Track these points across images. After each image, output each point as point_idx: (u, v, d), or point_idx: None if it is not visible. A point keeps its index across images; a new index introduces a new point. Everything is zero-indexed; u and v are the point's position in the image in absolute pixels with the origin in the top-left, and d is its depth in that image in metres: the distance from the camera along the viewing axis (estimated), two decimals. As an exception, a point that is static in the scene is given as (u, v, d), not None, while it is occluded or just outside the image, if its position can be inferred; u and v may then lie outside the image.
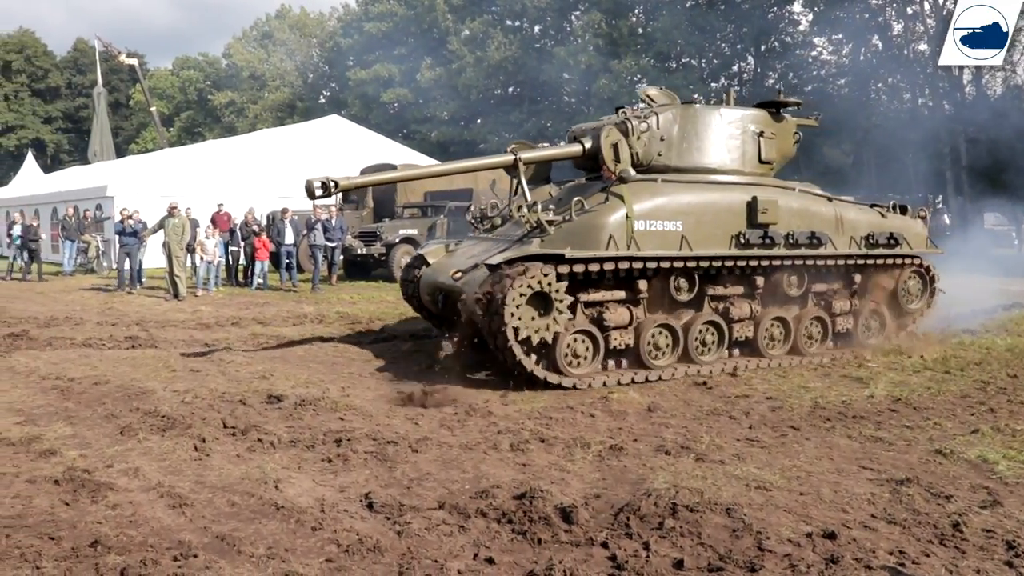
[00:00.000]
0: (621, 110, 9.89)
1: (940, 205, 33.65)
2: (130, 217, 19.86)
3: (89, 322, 13.88)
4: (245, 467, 5.96)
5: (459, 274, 9.28)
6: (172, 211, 17.73)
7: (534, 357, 8.52)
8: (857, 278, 10.63)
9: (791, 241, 9.71)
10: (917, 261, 11.17)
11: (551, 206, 9.53)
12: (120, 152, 55.88)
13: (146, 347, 11.27)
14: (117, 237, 20.72)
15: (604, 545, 4.52)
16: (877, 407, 7.81)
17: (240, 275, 20.95)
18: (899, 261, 10.93)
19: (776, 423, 7.23)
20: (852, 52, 37.34)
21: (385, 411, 7.63)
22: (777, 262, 9.75)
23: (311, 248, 19.35)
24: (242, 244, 20.52)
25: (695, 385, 8.80)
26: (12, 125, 72.03)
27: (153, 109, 52.26)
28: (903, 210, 11.19)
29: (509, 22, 47.34)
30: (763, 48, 39.80)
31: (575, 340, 8.76)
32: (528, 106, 47.64)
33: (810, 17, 38.23)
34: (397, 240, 20.61)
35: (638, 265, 8.81)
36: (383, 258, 20.57)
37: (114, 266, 23.09)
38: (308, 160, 27.72)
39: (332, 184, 8.68)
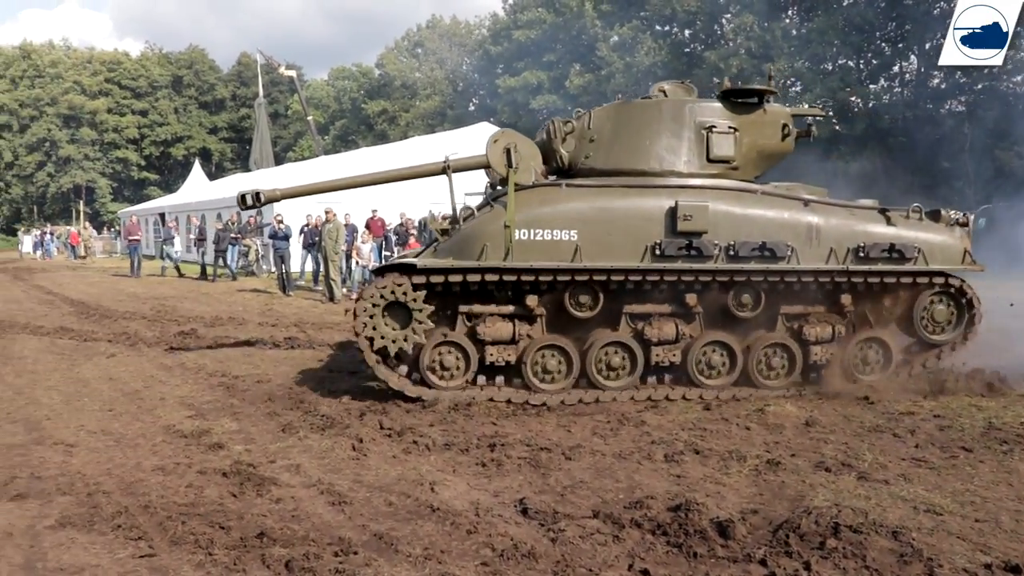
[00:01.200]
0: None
1: None
2: (281, 222, 20.76)
3: (251, 323, 14.59)
4: (401, 468, 6.12)
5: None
6: (328, 217, 18.40)
7: (405, 367, 8.42)
8: (845, 300, 8.78)
9: (732, 253, 8.34)
10: (942, 280, 8.90)
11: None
12: (279, 160, 58.38)
13: (304, 348, 11.75)
14: (271, 241, 21.76)
15: (763, 563, 4.40)
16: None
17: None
18: (912, 280, 8.79)
19: (945, 443, 6.85)
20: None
21: (537, 418, 7.68)
22: (708, 277, 8.38)
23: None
24: (395, 249, 21.08)
25: (856, 400, 8.43)
26: (181, 136, 76.42)
27: (310, 118, 54.34)
28: (935, 216, 9.01)
29: (659, 27, 46.89)
30: (927, 46, 38.00)
31: (441, 352, 8.40)
32: (677, 111, 47.01)
33: (980, 12, 36.16)
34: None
35: (514, 277, 8.20)
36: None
37: (272, 269, 24.20)
38: (459, 167, 28.28)
39: (253, 195, 9.44)
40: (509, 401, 8.30)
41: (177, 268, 27.84)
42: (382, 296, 8.13)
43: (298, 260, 21.86)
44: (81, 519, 5.16)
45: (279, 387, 9.09)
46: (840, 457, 6.37)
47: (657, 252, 8.26)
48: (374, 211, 21.86)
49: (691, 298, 8.50)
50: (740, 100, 9.22)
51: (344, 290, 19.04)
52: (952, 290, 8.90)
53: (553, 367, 8.46)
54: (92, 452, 6.72)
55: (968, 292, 8.93)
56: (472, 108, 61.91)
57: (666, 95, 9.29)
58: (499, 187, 9.13)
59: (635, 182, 8.73)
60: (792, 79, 38.33)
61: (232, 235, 25.61)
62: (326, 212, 18.70)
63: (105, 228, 62.22)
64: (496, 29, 57.97)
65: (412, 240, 19.96)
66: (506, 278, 8.18)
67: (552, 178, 9.00)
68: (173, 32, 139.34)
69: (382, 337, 8.14)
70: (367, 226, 21.09)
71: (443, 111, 61.54)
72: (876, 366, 8.95)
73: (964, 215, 9.19)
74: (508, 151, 8.80)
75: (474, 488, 5.69)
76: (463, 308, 8.50)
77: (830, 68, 39.39)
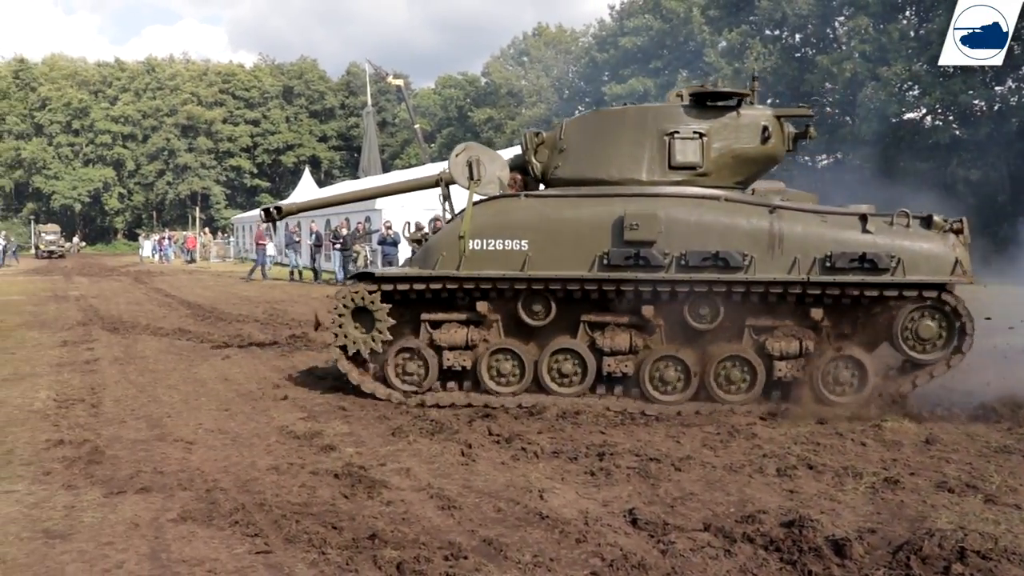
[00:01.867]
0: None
1: None
2: (389, 228, 21.10)
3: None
4: (510, 475, 6.14)
5: None
6: (438, 224, 18.60)
7: (373, 367, 8.95)
8: (816, 313, 8.15)
9: (683, 263, 8.05)
10: (930, 294, 8.01)
11: None
12: (386, 167, 59.45)
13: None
14: (380, 247, 22.15)
15: (883, 584, 4.26)
16: None
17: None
18: (890, 292, 8.00)
19: (1080, 466, 6.48)
20: None
21: (646, 428, 7.60)
22: (661, 287, 8.13)
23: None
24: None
25: (977, 418, 8.03)
26: (292, 144, 78.70)
27: (417, 127, 55.26)
28: (926, 222, 8.13)
29: (768, 31, 46.04)
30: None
31: (404, 357, 8.83)
32: (787, 117, 46.06)
33: None
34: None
35: (471, 286, 8.49)
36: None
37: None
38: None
39: (275, 209, 10.61)
40: (469, 404, 8.62)
41: (300, 272, 28.66)
42: (353, 301, 8.65)
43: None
44: (201, 514, 5.34)
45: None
46: (964, 478, 6.09)
47: (605, 262, 8.21)
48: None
49: (647, 310, 8.30)
50: (709, 104, 8.82)
51: None
52: (939, 304, 8.00)
53: (506, 370, 8.67)
54: (210, 450, 6.96)
55: (957, 307, 7.98)
56: (578, 115, 61.94)
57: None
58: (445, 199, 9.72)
59: (594, 191, 8.68)
60: (909, 82, 37.09)
61: (339, 241, 26.21)
62: (435, 220, 18.89)
63: (219, 233, 64.48)
64: (602, 36, 57.87)
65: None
66: (464, 286, 8.52)
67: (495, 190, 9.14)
68: (284, 44, 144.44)
69: (346, 337, 8.69)
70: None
71: (548, 119, 61.56)
72: (849, 387, 8.25)
73: (956, 222, 8.20)
74: (470, 164, 9.01)
75: (583, 497, 5.66)
76: (425, 316, 8.81)
77: (951, 70, 37.94)
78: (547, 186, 9.22)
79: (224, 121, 77.16)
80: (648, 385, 8.43)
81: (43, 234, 57.04)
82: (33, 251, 54.51)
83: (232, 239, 55.63)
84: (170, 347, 13.05)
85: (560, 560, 4.57)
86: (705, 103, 8.79)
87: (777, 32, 46.22)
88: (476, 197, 8.78)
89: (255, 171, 79.57)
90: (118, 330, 15.27)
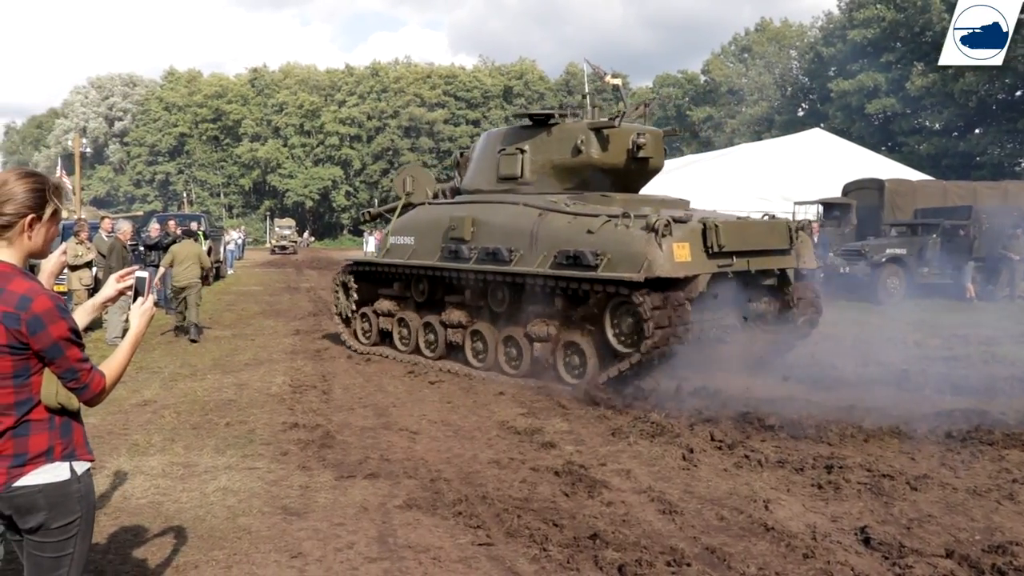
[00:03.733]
0: None
1: None
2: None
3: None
4: (733, 482, 5.95)
5: None
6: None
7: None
8: (558, 303, 9.31)
9: (479, 258, 10.04)
10: (624, 291, 8.41)
11: None
12: (604, 167, 59.45)
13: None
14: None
15: None
16: None
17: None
18: (597, 288, 8.70)
19: None
20: None
21: (878, 441, 7.15)
22: (468, 276, 10.21)
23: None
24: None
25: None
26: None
27: (635, 126, 54.95)
28: (644, 222, 8.50)
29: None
30: None
31: (362, 320, 12.50)
32: (1037, 112, 42.46)
33: None
34: (883, 260, 19.33)
35: (384, 269, 11.73)
36: (866, 278, 19.45)
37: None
38: (788, 175, 27.26)
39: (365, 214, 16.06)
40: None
41: None
42: (342, 280, 12.77)
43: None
44: (425, 502, 5.51)
45: (606, 391, 9.18)
46: None
47: (446, 255, 10.61)
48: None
49: (468, 293, 10.51)
50: (525, 125, 10.84)
51: None
52: (632, 301, 8.41)
53: (405, 335, 11.79)
54: (433, 440, 7.18)
55: (643, 304, 8.24)
56: (801, 113, 59.68)
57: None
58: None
59: (461, 199, 11.46)
60: None
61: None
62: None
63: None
64: (829, 29, 55.39)
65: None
66: (380, 270, 11.84)
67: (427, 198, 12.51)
68: (502, 46, 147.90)
69: (336, 305, 12.94)
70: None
71: (771, 117, 59.81)
72: (578, 371, 9.21)
73: (659, 220, 8.38)
74: (404, 180, 12.92)
75: (810, 510, 5.40)
76: (381, 291, 12.22)
77: None
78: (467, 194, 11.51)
79: (445, 122, 79.79)
80: (469, 353, 10.53)
81: (278, 228, 59.90)
82: (269, 244, 57.47)
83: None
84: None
85: (786, 575, 4.38)
86: (532, 123, 10.75)
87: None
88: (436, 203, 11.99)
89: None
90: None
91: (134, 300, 2.89)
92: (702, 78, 71.40)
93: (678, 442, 6.94)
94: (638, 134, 10.28)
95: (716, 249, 8.77)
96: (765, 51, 64.91)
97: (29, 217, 2.61)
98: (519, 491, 5.76)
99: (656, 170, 11.06)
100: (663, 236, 8.33)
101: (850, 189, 23.73)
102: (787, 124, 54.51)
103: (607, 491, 5.74)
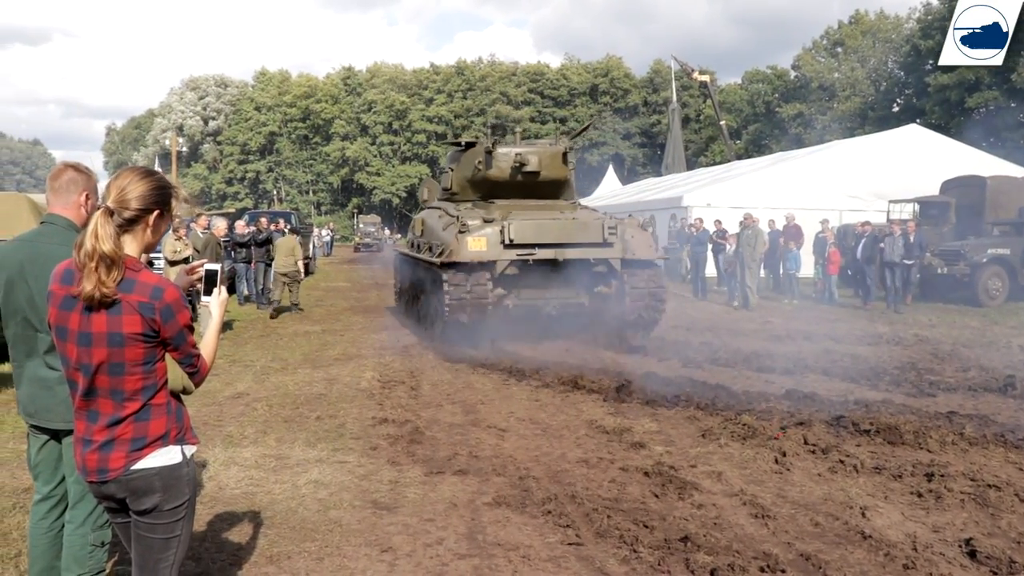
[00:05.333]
0: None
1: None
2: (691, 225, 20.89)
3: (663, 325, 14.74)
4: (827, 488, 5.79)
5: None
6: (748, 222, 18.10)
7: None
8: (430, 279, 12.98)
9: (419, 247, 13.79)
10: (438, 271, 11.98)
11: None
12: (690, 164, 58.75)
13: (719, 352, 11.59)
14: (688, 246, 21.96)
15: None
16: None
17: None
18: (433, 270, 12.58)
19: None
20: None
21: (981, 449, 6.87)
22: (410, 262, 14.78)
23: (884, 265, 18.28)
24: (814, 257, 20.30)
25: None
26: (596, 142, 79.82)
27: (722, 123, 54.15)
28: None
29: None
30: None
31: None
32: None
33: None
34: (984, 260, 18.58)
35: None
36: (966, 279, 18.75)
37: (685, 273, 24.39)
38: (883, 172, 26.51)
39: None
40: None
41: None
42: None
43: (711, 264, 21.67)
44: (514, 500, 5.50)
45: (692, 391, 9.05)
46: None
47: (414, 247, 14.32)
48: (790, 216, 21.14)
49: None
50: (459, 148, 14.08)
51: (786, 301, 18.84)
52: None
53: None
54: (521, 438, 7.16)
55: (444, 279, 11.50)
56: (896, 109, 57.91)
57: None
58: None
59: (429, 205, 14.99)
60: None
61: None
62: (745, 218, 18.41)
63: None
64: (927, 21, 53.63)
65: (832, 248, 19.01)
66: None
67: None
68: (586, 44, 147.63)
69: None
70: (786, 232, 20.43)
71: (864, 112, 58.20)
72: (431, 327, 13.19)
73: (466, 221, 11.45)
74: (424, 190, 16.50)
75: (909, 519, 5.22)
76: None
77: None
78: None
79: (532, 120, 79.87)
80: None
81: (362, 225, 59.67)
82: (356, 240, 57.49)
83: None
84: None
85: (887, 586, 4.24)
86: (463, 147, 13.87)
87: None
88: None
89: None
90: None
91: (206, 292, 3.02)
92: (792, 74, 69.88)
93: (770, 445, 6.78)
94: (517, 154, 12.81)
95: (509, 242, 11.28)
96: (859, 45, 63.15)
97: (155, 213, 2.75)
98: (608, 491, 5.71)
99: (555, 180, 13.16)
100: (461, 233, 11.29)
101: (949, 187, 22.90)
102: (881, 120, 52.94)
103: (698, 493, 5.65)
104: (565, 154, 13.11)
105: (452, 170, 13.88)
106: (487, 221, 11.42)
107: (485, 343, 11.63)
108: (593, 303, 12.02)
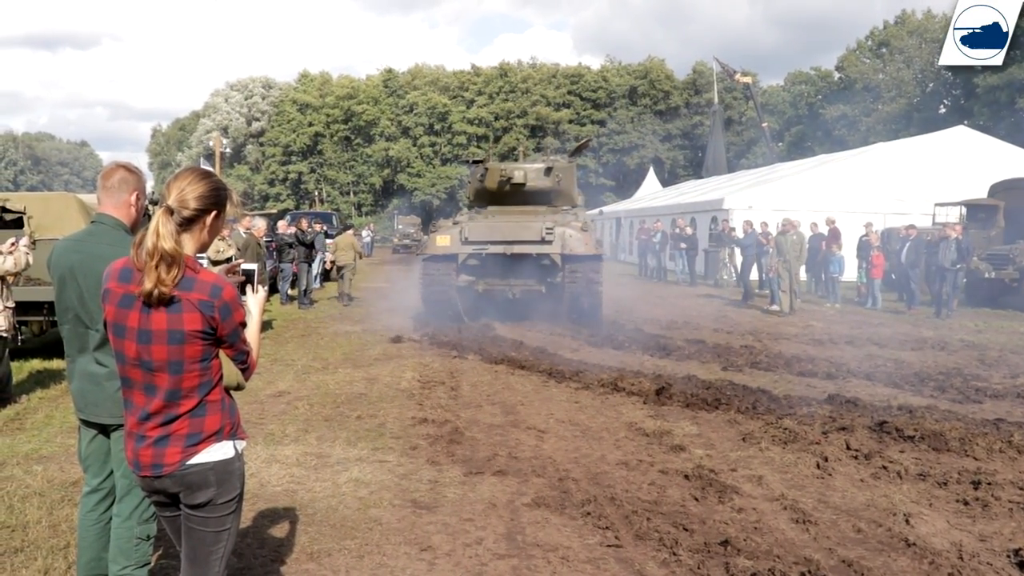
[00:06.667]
0: None
1: None
2: (730, 229, 20.74)
3: (705, 328, 14.68)
4: (870, 494, 5.72)
5: None
6: (788, 227, 17.91)
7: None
8: None
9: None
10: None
11: None
12: (731, 167, 58.32)
13: (760, 356, 11.49)
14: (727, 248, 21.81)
15: None
16: None
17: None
18: None
19: None
20: None
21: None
22: None
23: (936, 270, 17.93)
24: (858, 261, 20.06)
25: None
26: (636, 144, 79.48)
27: (764, 125, 53.74)
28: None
29: None
30: None
31: None
32: None
33: None
34: (1034, 265, 18.26)
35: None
36: (1015, 284, 18.38)
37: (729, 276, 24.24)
38: (928, 175, 26.15)
39: None
40: None
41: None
42: None
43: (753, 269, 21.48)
44: (553, 501, 5.50)
45: (733, 394, 8.99)
46: None
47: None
48: (831, 221, 20.88)
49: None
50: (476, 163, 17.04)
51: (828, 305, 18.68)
52: None
53: None
54: (561, 440, 7.16)
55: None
56: (943, 111, 57.07)
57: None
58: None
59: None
60: None
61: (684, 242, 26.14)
62: (785, 222, 18.21)
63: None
64: (977, 22, 52.71)
65: (876, 252, 18.77)
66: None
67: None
68: (626, 46, 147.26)
69: None
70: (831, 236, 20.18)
71: (909, 114, 57.42)
72: None
73: (435, 224, 15.12)
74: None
75: (955, 527, 5.14)
76: None
77: None
78: None
79: (570, 122, 79.72)
80: None
81: (400, 226, 57.66)
82: (395, 240, 56.84)
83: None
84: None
85: (931, 595, 4.17)
86: (478, 163, 16.94)
87: None
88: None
89: (600, 170, 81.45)
90: (474, 318, 16.28)
91: (242, 292, 3.03)
92: (836, 75, 69.12)
93: (812, 449, 6.71)
94: (503, 169, 15.71)
95: (465, 240, 14.27)
96: (905, 45, 62.29)
97: (212, 214, 2.80)
98: (648, 494, 5.69)
99: (539, 191, 15.81)
100: (432, 232, 14.94)
101: (997, 190, 22.49)
102: (926, 121, 52.18)
103: (738, 497, 5.60)
104: (549, 169, 15.83)
105: (470, 182, 17.07)
106: (455, 223, 14.84)
107: (460, 319, 14.49)
108: (549, 291, 14.70)
